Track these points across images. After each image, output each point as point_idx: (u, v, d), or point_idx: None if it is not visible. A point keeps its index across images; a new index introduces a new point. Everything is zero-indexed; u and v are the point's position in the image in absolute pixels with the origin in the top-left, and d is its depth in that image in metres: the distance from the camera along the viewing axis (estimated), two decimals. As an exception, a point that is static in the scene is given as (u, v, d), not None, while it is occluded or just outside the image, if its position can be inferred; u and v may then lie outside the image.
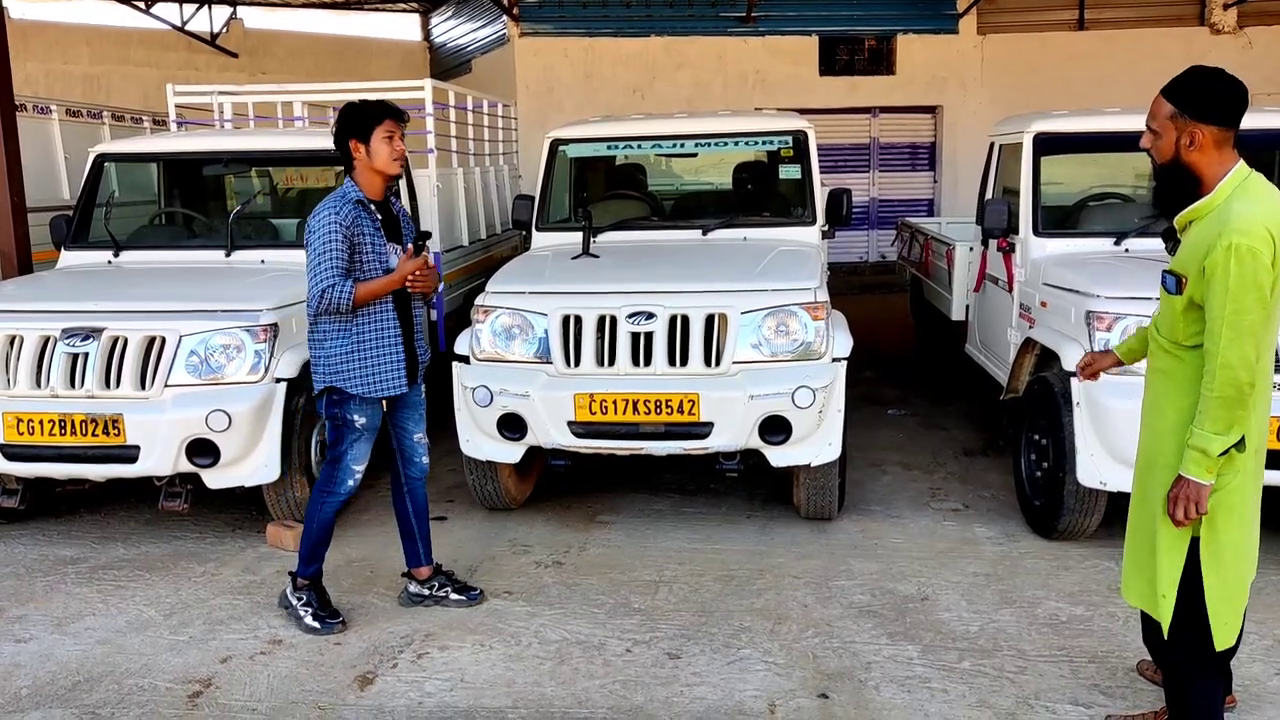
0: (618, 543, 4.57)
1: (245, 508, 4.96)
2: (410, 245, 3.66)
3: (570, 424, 4.27)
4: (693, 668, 3.42)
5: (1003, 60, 13.35)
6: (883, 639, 3.61)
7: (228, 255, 5.30)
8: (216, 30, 15.31)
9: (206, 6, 14.88)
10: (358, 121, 3.52)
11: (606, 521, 4.84)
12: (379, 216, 3.59)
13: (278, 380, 4.36)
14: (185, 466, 4.24)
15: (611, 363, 4.31)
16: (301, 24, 16.51)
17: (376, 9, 16.68)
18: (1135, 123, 5.33)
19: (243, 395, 4.24)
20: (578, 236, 5.15)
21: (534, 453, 4.55)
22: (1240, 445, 2.46)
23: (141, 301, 4.52)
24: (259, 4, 15.51)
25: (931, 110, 13.81)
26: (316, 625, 3.69)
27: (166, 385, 4.23)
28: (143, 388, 4.22)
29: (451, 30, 15.85)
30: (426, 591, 3.93)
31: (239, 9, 15.48)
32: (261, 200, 6.42)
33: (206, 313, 4.38)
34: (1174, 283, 2.53)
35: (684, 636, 3.64)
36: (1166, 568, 2.60)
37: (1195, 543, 2.56)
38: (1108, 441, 3.96)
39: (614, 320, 4.33)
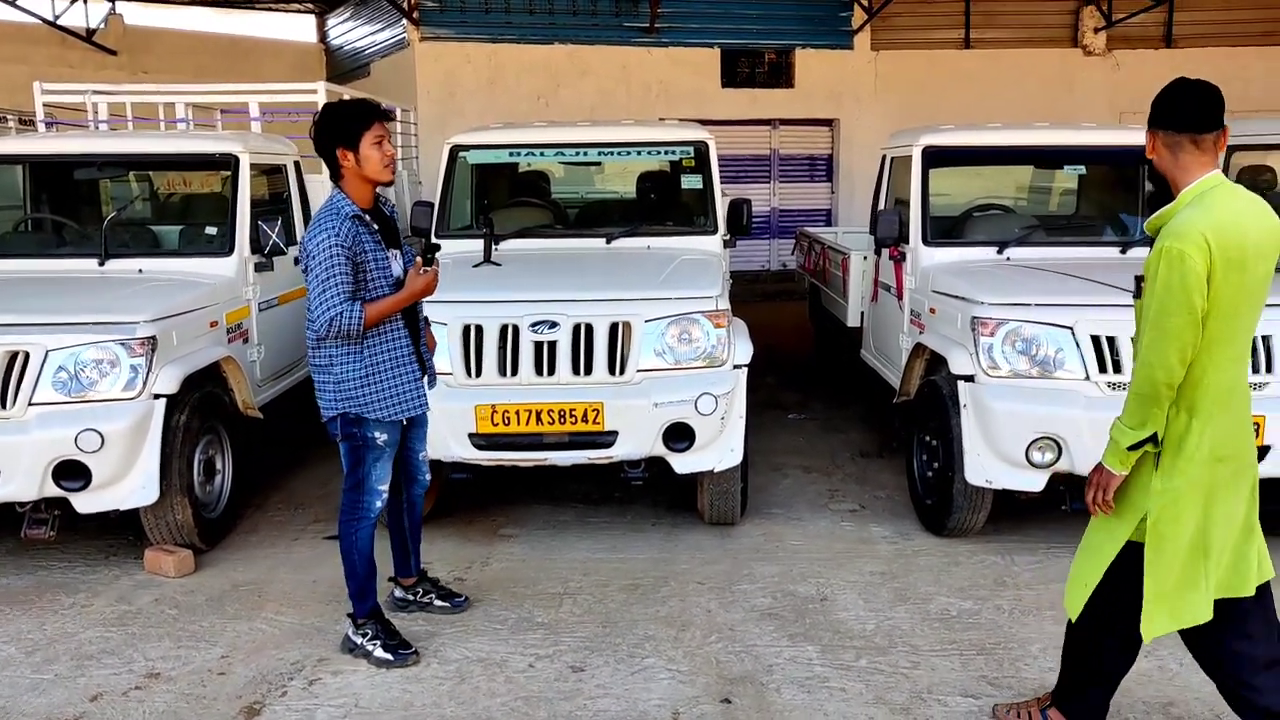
0: (521, 556, 4.53)
1: (120, 533, 4.70)
2: (419, 257, 3.48)
3: (471, 436, 4.22)
4: (596, 680, 3.41)
5: (895, 76, 13.81)
6: (784, 641, 3.67)
7: (101, 264, 5.00)
8: (93, 26, 14.60)
9: (82, 1, 14.19)
10: (344, 126, 3.28)
11: (510, 535, 4.79)
12: (375, 227, 3.39)
13: (156, 396, 4.15)
14: (52, 491, 3.98)
15: (514, 372, 4.28)
16: (187, 22, 15.87)
17: (268, 9, 16.17)
18: (1017, 137, 5.70)
19: (117, 413, 4.00)
20: (479, 244, 5.10)
21: (434, 466, 4.46)
22: (1154, 441, 2.49)
23: (2, 314, 4.22)
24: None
25: (829, 123, 14.17)
26: (390, 657, 3.50)
27: (30, 404, 3.97)
28: (3, 406, 3.95)
29: (349, 32, 15.50)
30: (411, 597, 3.91)
31: (118, 4, 14.81)
32: (140, 206, 6.14)
33: (76, 325, 4.11)
34: (1137, 286, 2.57)
35: (588, 648, 3.63)
36: (1093, 559, 2.67)
37: (1140, 548, 2.58)
38: (993, 441, 4.13)
39: (516, 329, 4.30)
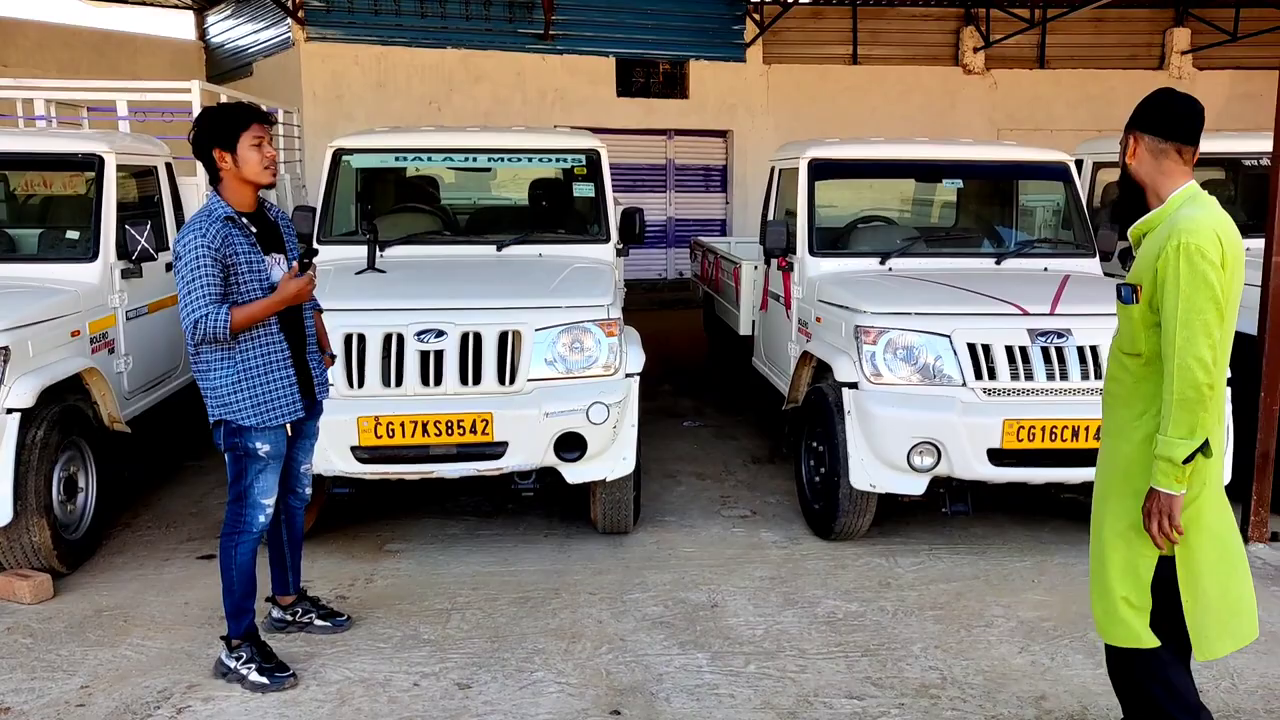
0: (408, 572, 4.41)
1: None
2: (295, 262, 3.38)
3: (354, 449, 4.09)
4: (484, 696, 3.34)
5: (786, 89, 14.13)
6: (674, 649, 3.67)
7: None
8: (-52, 17, 13.66)
9: (-65, -10, 13.27)
10: (220, 128, 3.23)
11: (396, 550, 4.66)
12: (253, 230, 3.29)
13: (9, 411, 3.90)
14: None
15: (399, 383, 4.17)
16: (54, 14, 15.02)
17: (143, 3, 15.45)
18: (899, 151, 5.88)
19: None
20: (363, 251, 4.95)
21: (315, 481, 4.32)
22: (1205, 449, 2.37)
23: None
24: (2, -10, 14.00)
25: (723, 134, 14.38)
26: (265, 681, 3.34)
27: None
28: None
29: (230, 31, 14.93)
30: (290, 618, 3.76)
31: (-21, -5, 13.91)
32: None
33: None
34: (1129, 292, 2.49)
35: (475, 665, 3.55)
36: (1129, 577, 2.50)
37: (1171, 562, 2.46)
38: (876, 446, 4.23)
39: (401, 338, 4.19)
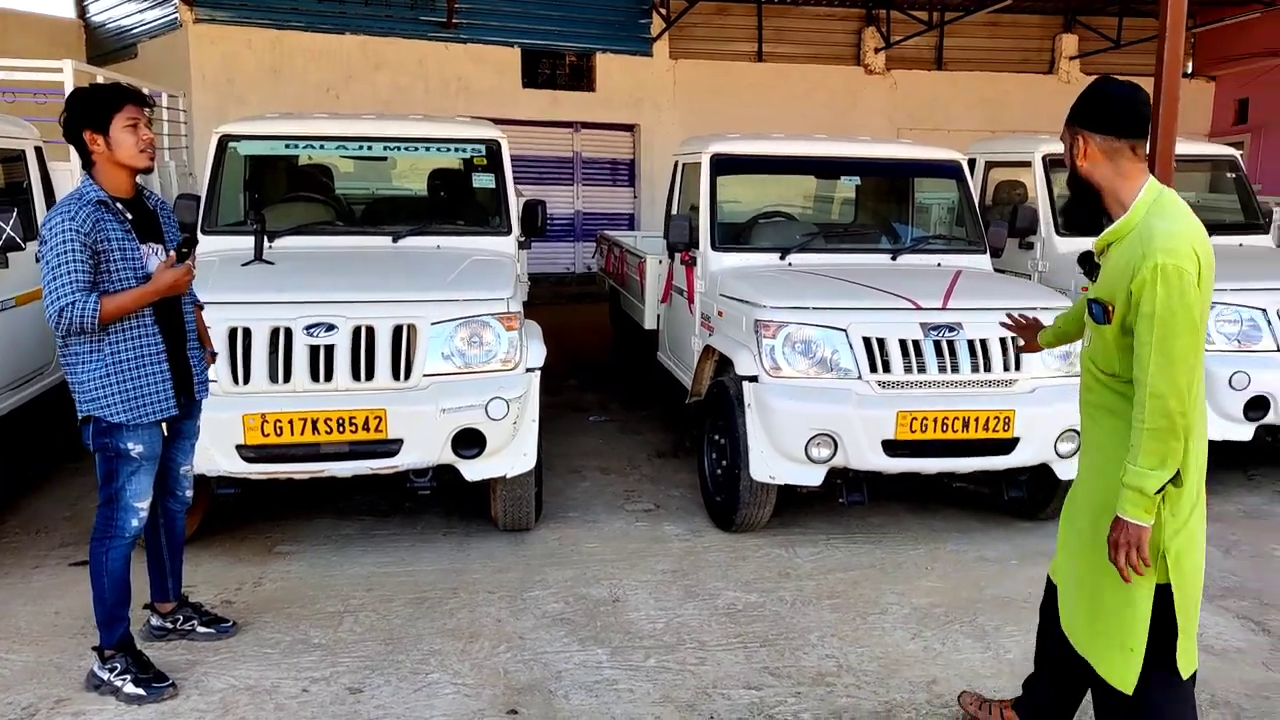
0: (299, 574, 4.25)
1: None
2: (172, 250, 3.20)
3: (239, 448, 3.93)
4: (376, 700, 3.24)
5: (692, 84, 14.20)
6: (574, 646, 3.63)
7: None
8: None
9: None
10: (91, 109, 3.07)
11: (286, 552, 4.49)
12: (128, 216, 3.12)
13: None
14: None
15: (287, 379, 4.02)
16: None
17: (17, -23, 14.55)
18: (798, 148, 5.95)
19: None
20: (250, 241, 4.75)
21: (197, 482, 4.12)
22: (1176, 480, 2.27)
23: None
24: None
25: (630, 128, 14.37)
26: (141, 692, 3.17)
27: None
28: None
29: (112, 9, 14.17)
30: (170, 625, 3.60)
31: None
32: None
33: None
34: (1101, 311, 2.35)
35: (368, 668, 3.45)
36: (1135, 621, 2.35)
37: (1163, 589, 2.34)
38: (775, 439, 4.28)
39: (289, 332, 4.04)
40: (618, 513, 5.09)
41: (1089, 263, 2.46)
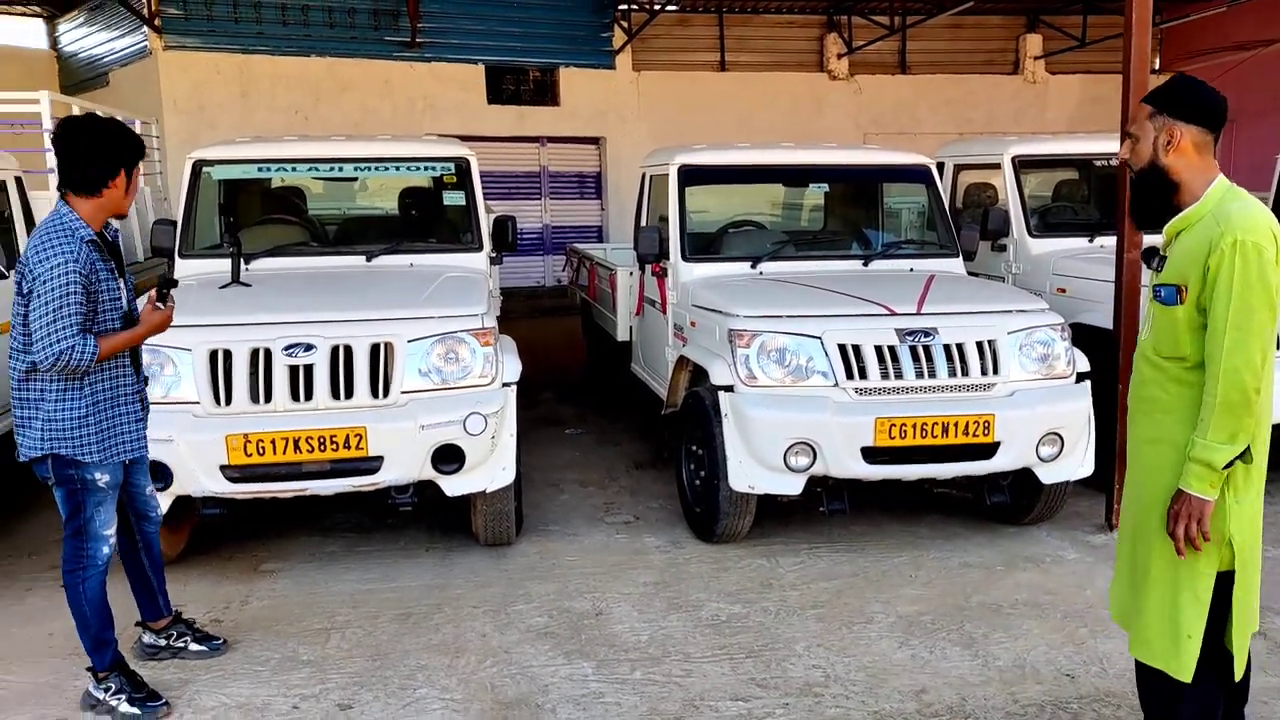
0: (284, 592, 4.26)
1: None
2: (152, 291, 3.25)
3: (223, 468, 3.94)
4: (366, 716, 3.26)
5: (657, 96, 14.29)
6: (559, 659, 3.66)
7: None
8: None
9: None
10: (132, 150, 3.12)
11: (272, 570, 4.50)
12: (109, 256, 3.15)
13: None
14: None
15: (268, 399, 4.03)
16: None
17: (-10, 11, 14.44)
18: (766, 157, 6.03)
19: None
20: (227, 264, 4.76)
21: (183, 502, 4.13)
22: (1245, 456, 2.28)
23: None
24: None
25: (596, 141, 14.43)
26: (136, 711, 3.22)
27: None
28: None
29: (83, 39, 14.07)
30: (163, 642, 3.61)
31: None
32: None
33: None
34: (1172, 293, 2.34)
35: (357, 684, 3.46)
36: (1192, 605, 2.34)
37: (1225, 577, 2.34)
38: (753, 448, 4.32)
39: (269, 353, 4.05)
40: (598, 525, 5.12)
41: (1152, 255, 2.50)
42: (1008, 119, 14.75)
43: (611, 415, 7.51)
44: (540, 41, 13.71)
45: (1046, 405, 4.36)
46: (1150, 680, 2.50)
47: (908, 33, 14.60)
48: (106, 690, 3.25)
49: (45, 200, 5.67)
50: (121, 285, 3.21)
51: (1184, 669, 2.37)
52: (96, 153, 3.07)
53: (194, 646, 3.65)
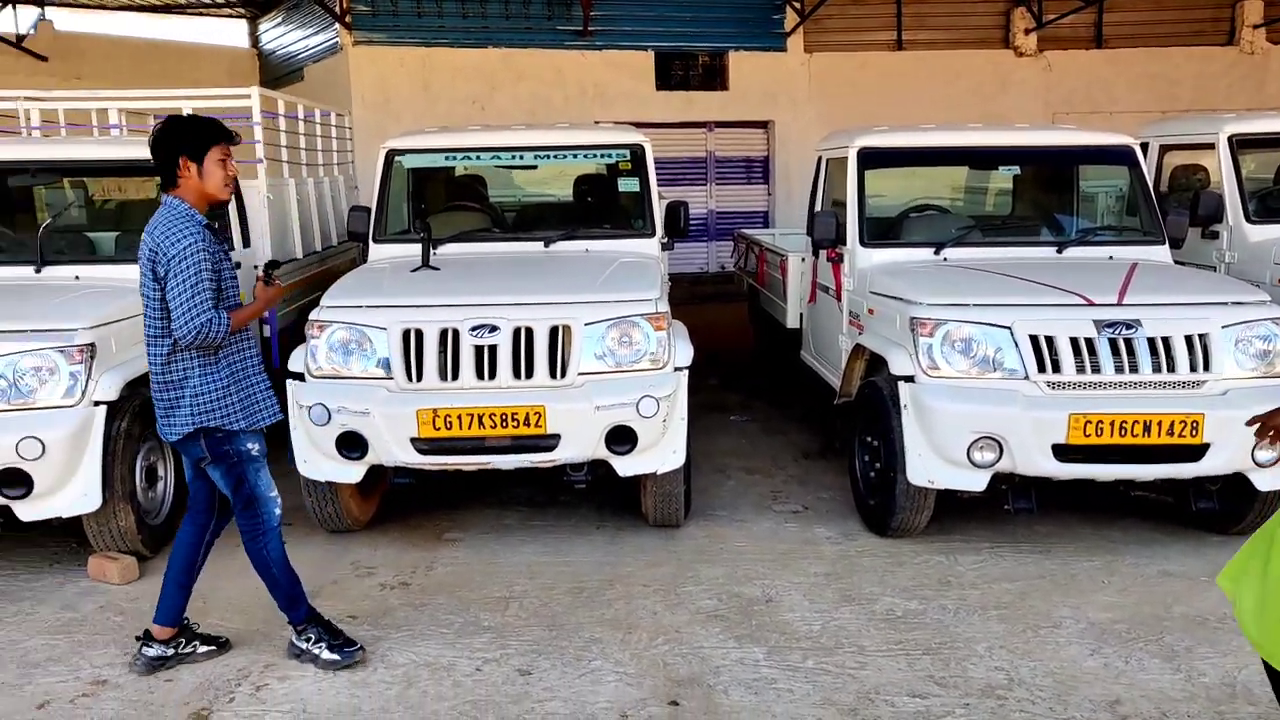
0: (466, 560, 4.47)
1: (64, 540, 4.61)
2: (261, 273, 3.52)
3: (414, 440, 4.15)
4: (544, 683, 3.37)
5: (829, 78, 13.97)
6: (730, 642, 3.66)
7: (38, 271, 4.93)
8: (23, 32, 14.06)
9: (11, 6, 13.63)
10: (192, 137, 3.27)
11: (454, 539, 4.72)
12: (220, 239, 3.41)
13: (97, 403, 4.09)
14: (-8, 498, 3.85)
15: (455, 376, 4.22)
16: (118, 27, 15.39)
17: (200, 13, 15.77)
18: (952, 138, 5.79)
19: (58, 420, 3.99)
20: (416, 249, 5.01)
21: (376, 471, 4.39)
22: None
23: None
24: (70, 5, 14.35)
25: (764, 125, 14.28)
26: (337, 657, 3.46)
27: None
28: None
29: (281, 37, 15.18)
30: (170, 652, 3.49)
31: (47, 9, 14.29)
32: (76, 213, 5.96)
33: (14, 333, 4.08)
34: None
35: (535, 652, 3.59)
36: None
37: None
38: (935, 442, 4.17)
39: (456, 333, 4.24)
40: (765, 513, 5.08)
41: None
42: (1218, 95, 13.52)
43: (778, 403, 7.44)
44: (710, 25, 13.68)
45: (1265, 406, 3.97)
46: None
47: (1105, 4, 13.60)
48: (307, 640, 3.49)
49: (253, 187, 6.15)
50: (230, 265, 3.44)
51: None
52: (156, 150, 3.28)
53: (202, 649, 3.56)
